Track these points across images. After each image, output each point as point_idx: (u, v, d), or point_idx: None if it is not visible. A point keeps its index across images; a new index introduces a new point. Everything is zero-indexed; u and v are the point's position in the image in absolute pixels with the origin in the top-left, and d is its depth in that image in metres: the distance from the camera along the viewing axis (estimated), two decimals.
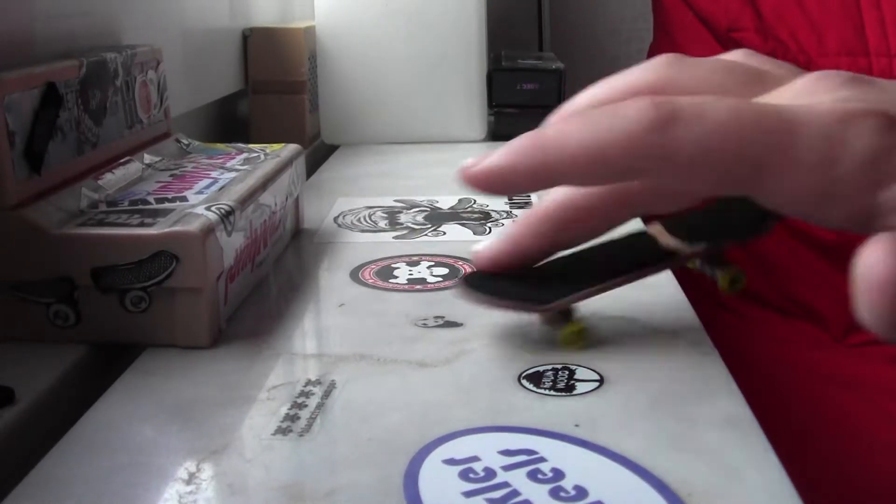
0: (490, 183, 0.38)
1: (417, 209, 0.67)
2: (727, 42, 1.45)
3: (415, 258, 0.56)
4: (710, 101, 0.34)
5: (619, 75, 0.41)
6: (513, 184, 0.38)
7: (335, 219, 0.65)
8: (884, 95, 0.36)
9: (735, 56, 0.41)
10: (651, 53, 1.57)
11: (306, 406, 0.37)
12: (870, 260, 0.31)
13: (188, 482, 0.32)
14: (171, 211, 0.44)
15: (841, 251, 1.40)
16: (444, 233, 0.61)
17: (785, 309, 1.42)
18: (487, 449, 0.33)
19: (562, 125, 0.36)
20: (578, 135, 0.35)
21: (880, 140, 0.33)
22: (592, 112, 0.36)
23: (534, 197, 0.69)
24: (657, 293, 0.50)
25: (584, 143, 0.35)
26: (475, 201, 0.68)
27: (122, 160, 0.52)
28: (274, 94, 0.89)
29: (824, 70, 0.37)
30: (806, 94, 0.36)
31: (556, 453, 0.33)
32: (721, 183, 0.35)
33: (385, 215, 0.65)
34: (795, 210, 0.36)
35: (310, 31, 0.90)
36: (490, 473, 0.32)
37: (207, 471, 0.32)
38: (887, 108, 0.34)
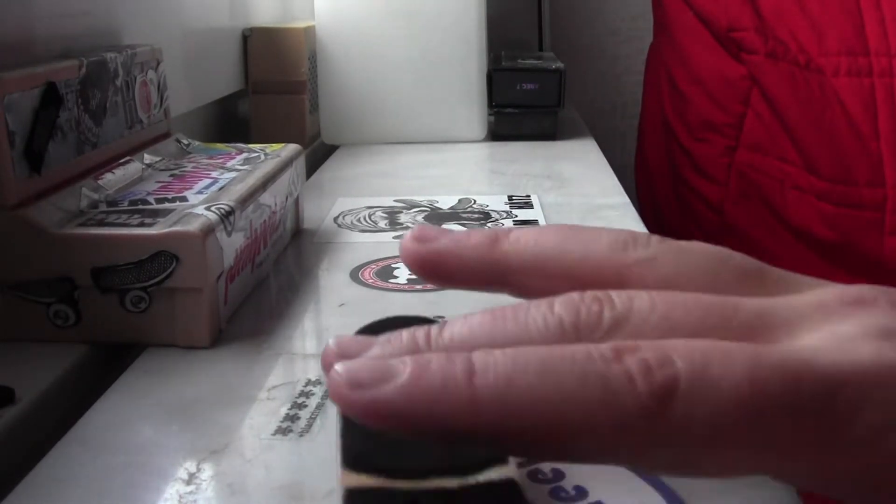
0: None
1: (417, 209, 0.67)
2: (728, 42, 1.45)
3: None
4: (719, 354, 0.24)
5: (576, 237, 0.30)
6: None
7: (335, 219, 0.65)
8: None
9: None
10: (651, 53, 1.57)
11: (306, 406, 0.37)
12: None
13: (188, 482, 0.32)
14: (171, 211, 0.44)
15: (840, 251, 1.41)
16: None
17: None
18: None
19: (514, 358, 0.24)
20: (536, 383, 0.24)
21: None
22: (552, 355, 0.24)
23: (534, 197, 0.69)
24: None
25: (540, 402, 0.24)
26: (475, 201, 0.68)
27: (122, 160, 0.52)
28: (274, 93, 0.89)
29: (850, 286, 0.29)
30: (828, 318, 0.27)
31: None
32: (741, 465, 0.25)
33: (385, 215, 0.65)
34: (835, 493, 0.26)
35: (310, 31, 0.90)
36: None
37: (207, 471, 0.32)
38: None
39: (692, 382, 0.23)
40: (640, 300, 0.26)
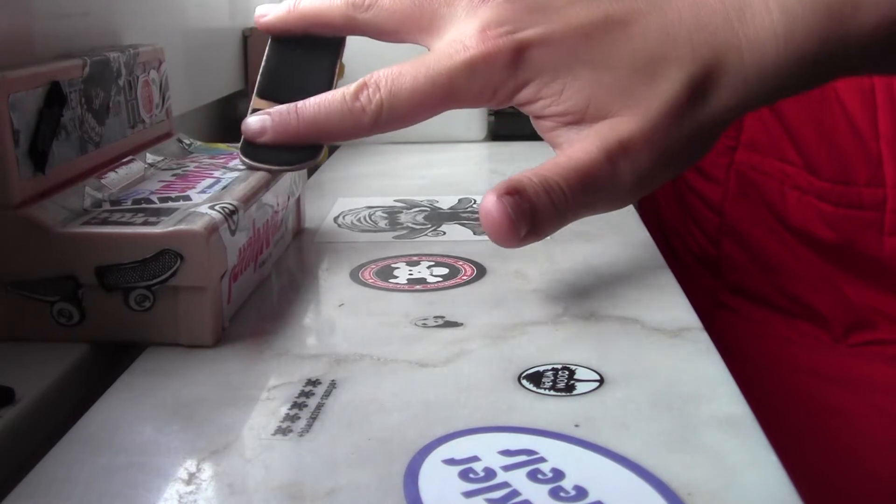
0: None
1: (417, 209, 0.67)
2: None
3: (415, 258, 0.56)
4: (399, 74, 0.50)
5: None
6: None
7: (335, 219, 0.65)
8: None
9: None
10: None
11: (306, 406, 0.37)
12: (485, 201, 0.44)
13: (188, 482, 0.32)
14: (174, 210, 0.44)
15: (840, 251, 1.41)
16: (444, 233, 0.61)
17: (785, 308, 1.42)
18: (487, 449, 0.34)
19: None
20: None
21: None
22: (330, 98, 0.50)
23: None
24: (656, 293, 0.50)
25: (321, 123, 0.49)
26: (475, 201, 0.69)
27: (124, 160, 0.52)
28: None
29: None
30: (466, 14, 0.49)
31: (556, 453, 0.33)
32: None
33: (385, 215, 0.66)
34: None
35: None
36: (490, 473, 0.32)
37: (207, 471, 0.33)
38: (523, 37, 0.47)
39: (390, 98, 0.48)
40: None
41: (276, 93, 0.52)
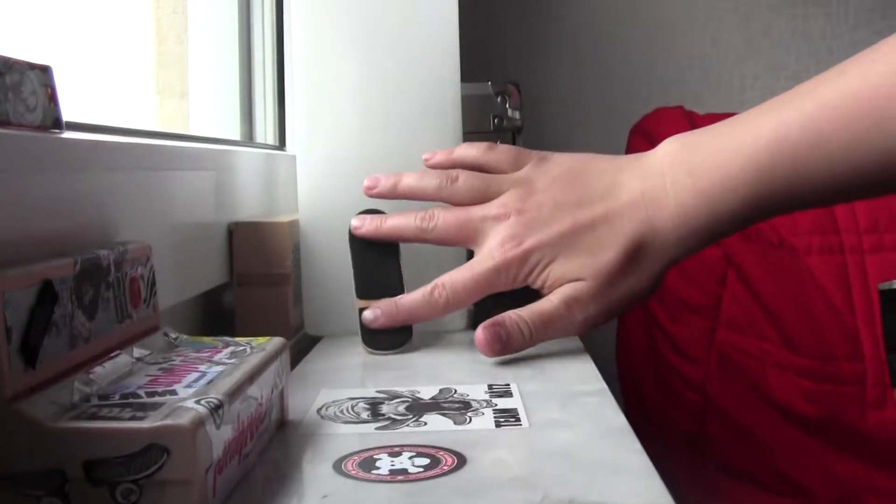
0: None
1: (399, 399, 0.68)
2: None
3: (396, 449, 0.57)
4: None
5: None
6: None
7: (318, 410, 0.66)
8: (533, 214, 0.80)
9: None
10: None
11: None
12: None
13: None
14: (161, 404, 0.45)
15: (824, 426, 1.41)
16: (426, 423, 0.62)
17: (772, 486, 1.41)
18: None
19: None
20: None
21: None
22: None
23: (513, 386, 0.71)
24: (633, 477, 0.51)
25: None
26: (455, 391, 0.70)
27: (112, 354, 0.53)
28: (258, 286, 0.90)
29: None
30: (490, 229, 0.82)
31: None
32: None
33: (367, 406, 0.67)
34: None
35: (294, 225, 0.93)
36: None
37: None
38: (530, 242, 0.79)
39: (453, 294, 0.81)
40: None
41: (370, 293, 0.85)
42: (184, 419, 0.43)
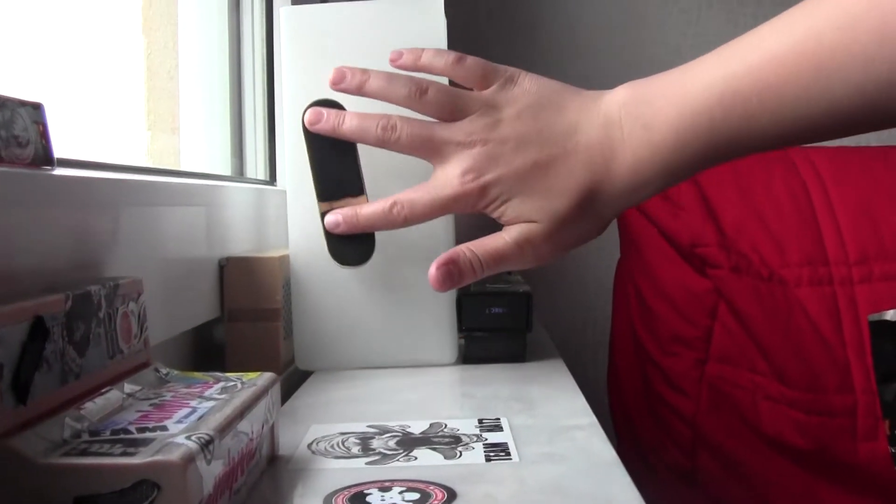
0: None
1: (389, 434, 0.68)
2: (692, 257, 1.50)
3: (387, 483, 0.57)
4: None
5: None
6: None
7: (309, 445, 0.66)
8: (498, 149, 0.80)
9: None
10: (619, 268, 1.61)
11: None
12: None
13: None
14: (152, 440, 0.45)
15: (815, 458, 1.41)
16: (416, 458, 0.62)
17: None
18: None
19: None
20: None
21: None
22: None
23: (504, 420, 0.71)
24: None
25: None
26: (446, 425, 0.70)
27: (103, 390, 0.53)
28: (249, 321, 0.91)
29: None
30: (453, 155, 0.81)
31: None
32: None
33: (358, 441, 0.67)
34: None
35: (284, 260, 0.93)
36: None
37: None
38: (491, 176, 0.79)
39: (411, 211, 0.81)
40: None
41: (332, 194, 0.88)
42: (174, 455, 0.43)
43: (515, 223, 0.80)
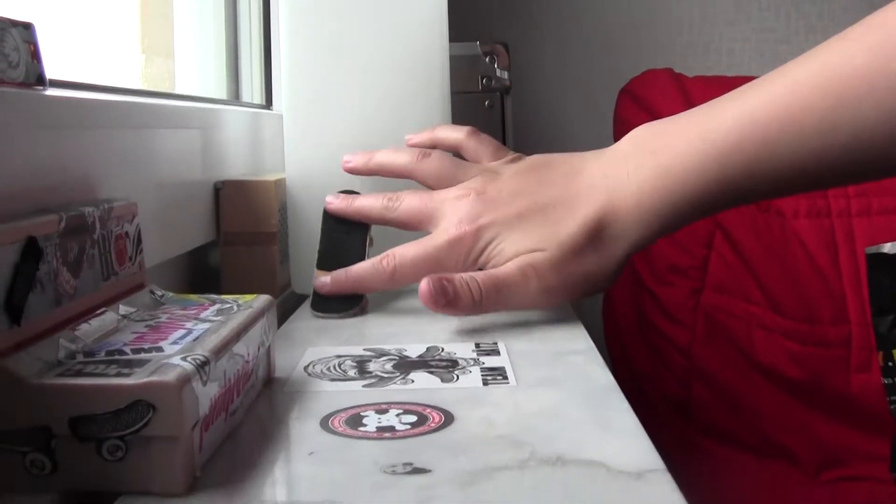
0: None
1: (386, 357, 0.68)
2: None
3: (384, 406, 0.57)
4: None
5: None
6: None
7: (305, 368, 0.66)
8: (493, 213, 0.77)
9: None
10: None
11: None
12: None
13: None
14: (147, 361, 0.45)
15: (809, 389, 1.42)
16: (413, 381, 0.62)
17: (756, 448, 1.42)
18: None
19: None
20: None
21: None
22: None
23: (501, 345, 0.71)
24: (620, 436, 0.51)
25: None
26: (443, 349, 0.70)
27: (98, 311, 0.53)
28: (245, 245, 0.90)
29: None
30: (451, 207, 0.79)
31: None
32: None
33: (354, 364, 0.66)
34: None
35: (280, 184, 0.93)
36: None
37: None
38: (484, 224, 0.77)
39: (401, 264, 0.79)
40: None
41: (329, 265, 0.84)
42: (170, 375, 0.43)
43: (517, 257, 0.76)
